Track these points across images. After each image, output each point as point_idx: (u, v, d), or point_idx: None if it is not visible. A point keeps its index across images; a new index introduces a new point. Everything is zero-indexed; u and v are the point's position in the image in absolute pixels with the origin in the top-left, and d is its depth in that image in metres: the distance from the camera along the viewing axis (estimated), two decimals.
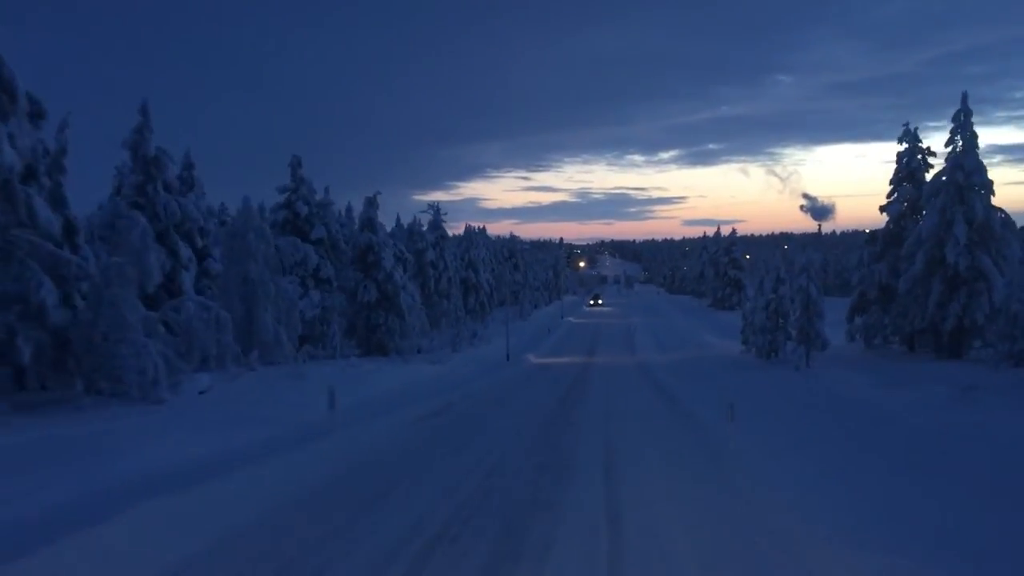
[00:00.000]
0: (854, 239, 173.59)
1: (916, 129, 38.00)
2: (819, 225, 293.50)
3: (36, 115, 18.31)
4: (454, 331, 44.88)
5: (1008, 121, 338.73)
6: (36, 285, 17.12)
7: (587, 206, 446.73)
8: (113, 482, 9.77)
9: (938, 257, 32.42)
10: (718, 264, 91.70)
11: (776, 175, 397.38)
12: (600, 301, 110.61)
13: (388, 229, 58.35)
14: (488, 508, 9.27)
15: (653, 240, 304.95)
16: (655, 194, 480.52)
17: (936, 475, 10.59)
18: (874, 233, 39.02)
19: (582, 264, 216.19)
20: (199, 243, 32.91)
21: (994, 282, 31.12)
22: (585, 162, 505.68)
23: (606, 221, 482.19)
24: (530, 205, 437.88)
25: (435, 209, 63.32)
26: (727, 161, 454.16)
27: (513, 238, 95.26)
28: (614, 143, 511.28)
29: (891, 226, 38.02)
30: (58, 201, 19.23)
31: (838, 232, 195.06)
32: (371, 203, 41.12)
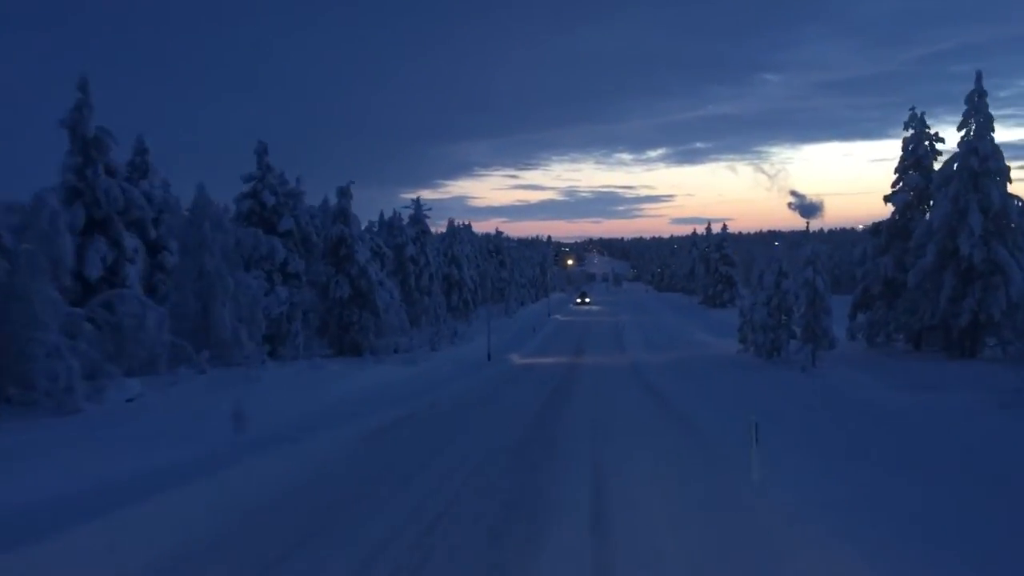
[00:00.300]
0: (843, 237, 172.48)
1: (923, 114, 35.81)
2: (807, 223, 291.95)
3: None
4: (434, 329, 42.35)
5: (996, 119, 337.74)
6: None
7: (575, 204, 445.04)
8: None
9: (950, 249, 30.16)
10: (709, 261, 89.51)
11: (764, 172, 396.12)
12: (588, 299, 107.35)
13: (374, 227, 56.16)
14: None
15: (641, 238, 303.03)
16: (643, 192, 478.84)
17: None
18: (878, 225, 36.73)
19: (570, 262, 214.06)
20: (152, 234, 30.31)
21: (1011, 275, 28.90)
22: (573, 160, 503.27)
23: (594, 219, 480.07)
24: (518, 203, 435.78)
25: (416, 203, 60.79)
26: (715, 160, 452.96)
27: (499, 234, 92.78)
28: (602, 141, 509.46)
29: (896, 217, 35.76)
30: None
31: (826, 230, 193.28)
32: (344, 193, 38.56)
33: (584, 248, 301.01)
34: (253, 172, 36.30)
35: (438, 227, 73.84)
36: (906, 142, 35.72)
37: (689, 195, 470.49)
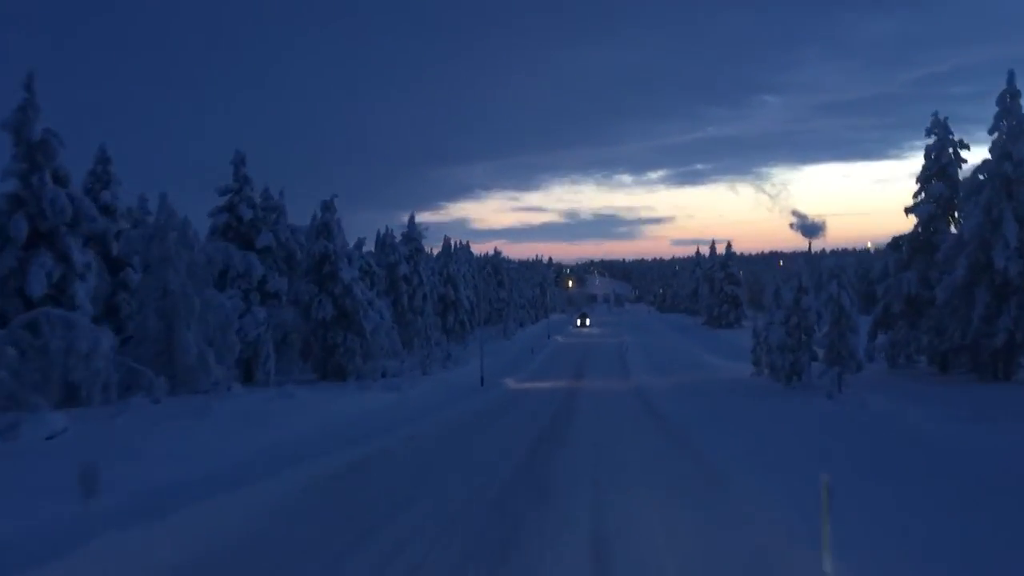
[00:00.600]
0: (845, 258, 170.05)
1: (946, 119, 33.42)
2: (810, 243, 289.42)
3: None
4: (425, 352, 39.81)
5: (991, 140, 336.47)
6: None
7: (576, 226, 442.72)
8: None
9: (983, 262, 27.66)
10: (713, 280, 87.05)
11: (765, 192, 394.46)
12: (588, 321, 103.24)
13: (363, 243, 53.71)
14: None
15: (643, 259, 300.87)
16: (644, 214, 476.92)
17: None
18: (898, 239, 34.21)
19: (571, 283, 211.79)
20: (113, 250, 27.97)
21: None
22: (574, 182, 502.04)
23: (595, 241, 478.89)
24: (519, 225, 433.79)
25: (410, 220, 58.45)
26: (715, 181, 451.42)
27: (497, 254, 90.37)
28: (603, 163, 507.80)
29: (919, 230, 33.27)
30: None
31: (828, 251, 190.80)
32: (328, 207, 36.18)
33: (585, 270, 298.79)
34: (229, 184, 33.97)
35: (436, 247, 71.67)
36: (929, 150, 33.29)
37: (690, 216, 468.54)
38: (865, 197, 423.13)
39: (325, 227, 36.00)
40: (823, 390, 23.73)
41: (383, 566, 7.74)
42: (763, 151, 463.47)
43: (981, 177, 28.91)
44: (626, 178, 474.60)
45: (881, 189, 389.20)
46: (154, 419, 16.90)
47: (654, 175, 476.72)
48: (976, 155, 34.64)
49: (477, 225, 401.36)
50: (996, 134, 28.18)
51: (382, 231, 56.97)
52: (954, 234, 30.49)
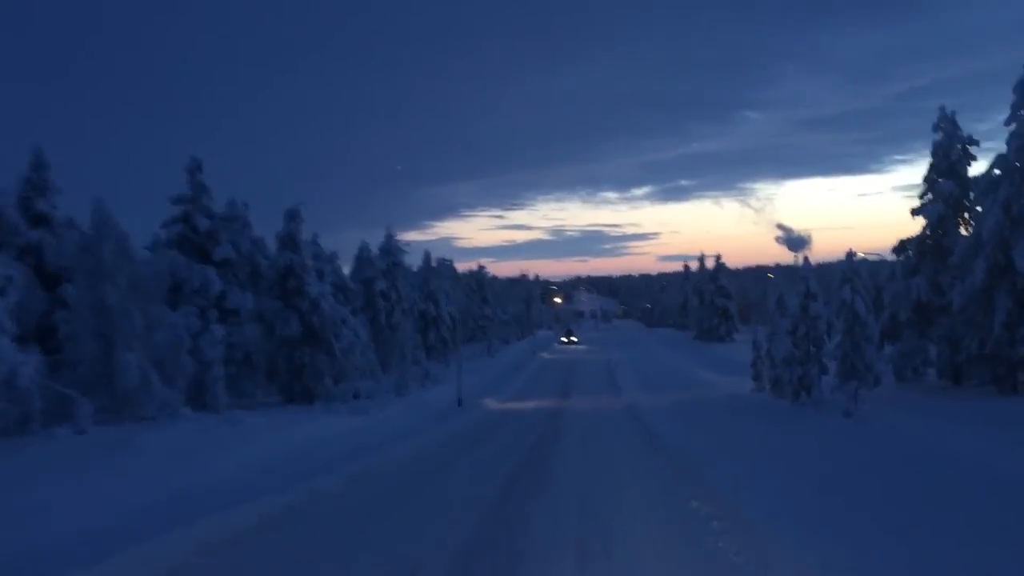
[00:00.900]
0: (830, 270, 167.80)
1: (954, 114, 31.29)
2: (795, 256, 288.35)
3: None
4: (400, 371, 37.17)
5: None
6: None
7: (562, 243, 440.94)
8: None
9: (1003, 264, 25.43)
10: (703, 293, 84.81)
11: (750, 207, 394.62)
12: (575, 338, 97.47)
13: (336, 257, 51.06)
14: None
15: (629, 275, 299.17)
16: (629, 230, 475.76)
17: None
18: (904, 243, 31.91)
19: (558, 300, 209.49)
20: (50, 264, 25.33)
21: None
22: (559, 200, 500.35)
23: (581, 258, 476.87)
24: (505, 244, 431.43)
25: (387, 235, 55.84)
26: (700, 197, 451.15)
27: (481, 269, 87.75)
28: (587, 180, 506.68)
29: (927, 232, 31.05)
30: None
31: (814, 264, 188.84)
32: (292, 217, 33.58)
33: (572, 286, 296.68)
34: (184, 193, 31.31)
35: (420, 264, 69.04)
36: (936, 146, 31.16)
37: (675, 232, 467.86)
38: (848, 211, 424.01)
39: (290, 238, 33.41)
40: (836, 407, 21.28)
41: None
42: (746, 166, 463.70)
43: (997, 172, 26.76)
44: (611, 195, 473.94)
45: (864, 203, 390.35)
46: (63, 455, 14.26)
47: (639, 191, 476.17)
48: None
49: (463, 244, 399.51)
50: (1013, 125, 26.01)
51: (361, 247, 54.39)
52: (969, 235, 28.28)
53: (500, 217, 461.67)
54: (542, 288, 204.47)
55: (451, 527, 10.58)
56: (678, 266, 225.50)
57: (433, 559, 9.06)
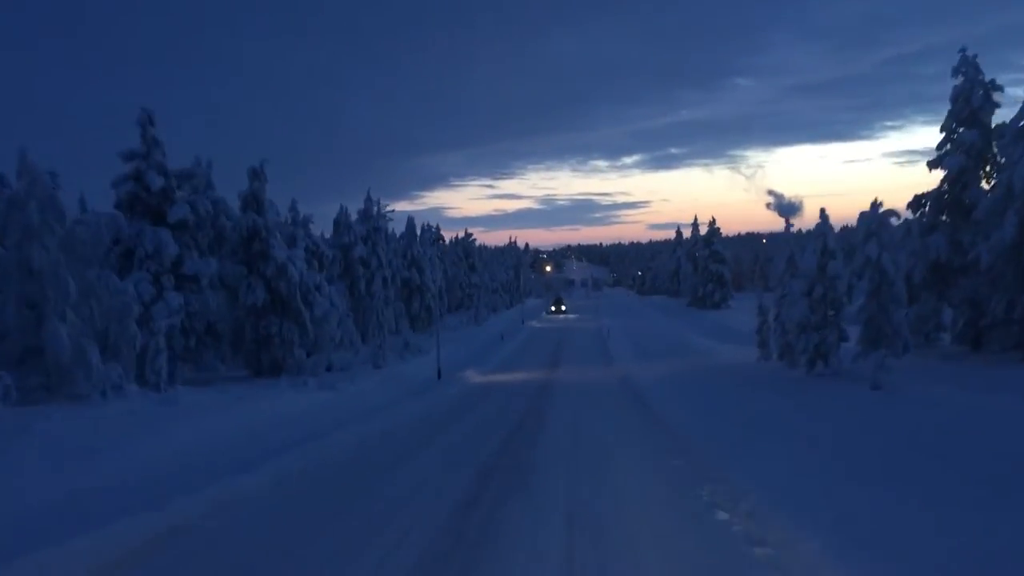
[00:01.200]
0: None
1: (975, 56, 28.72)
2: (787, 222, 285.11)
3: None
4: (377, 342, 34.70)
5: None
6: None
7: (552, 212, 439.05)
8: None
9: None
10: (696, 259, 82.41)
11: (741, 173, 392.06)
12: (564, 307, 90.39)
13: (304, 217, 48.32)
14: None
15: (620, 244, 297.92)
16: (620, 199, 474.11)
17: None
18: (920, 198, 29.43)
19: (548, 268, 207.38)
20: None
21: None
22: (549, 169, 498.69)
23: (572, 227, 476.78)
24: (496, 213, 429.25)
25: (367, 197, 53.02)
26: (690, 165, 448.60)
27: (468, 236, 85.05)
28: (577, 149, 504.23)
29: (946, 186, 28.56)
30: None
31: (804, 231, 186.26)
32: (256, 175, 30.88)
33: (562, 255, 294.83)
34: (136, 148, 28.54)
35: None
36: (956, 91, 28.59)
37: (665, 200, 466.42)
38: (838, 178, 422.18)
39: (253, 198, 30.74)
40: (858, 377, 18.87)
41: None
42: (737, 134, 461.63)
43: None
44: (601, 163, 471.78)
45: (854, 169, 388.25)
46: None
47: (629, 160, 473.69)
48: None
49: (453, 214, 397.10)
50: None
51: (340, 211, 51.61)
52: (995, 188, 25.84)
53: (490, 187, 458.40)
54: (532, 257, 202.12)
55: (399, 547, 8.07)
56: (668, 234, 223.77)
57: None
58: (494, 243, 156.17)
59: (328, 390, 22.91)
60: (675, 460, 12.39)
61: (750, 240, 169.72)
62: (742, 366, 26.98)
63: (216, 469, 11.08)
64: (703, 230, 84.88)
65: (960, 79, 28.64)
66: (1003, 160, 26.26)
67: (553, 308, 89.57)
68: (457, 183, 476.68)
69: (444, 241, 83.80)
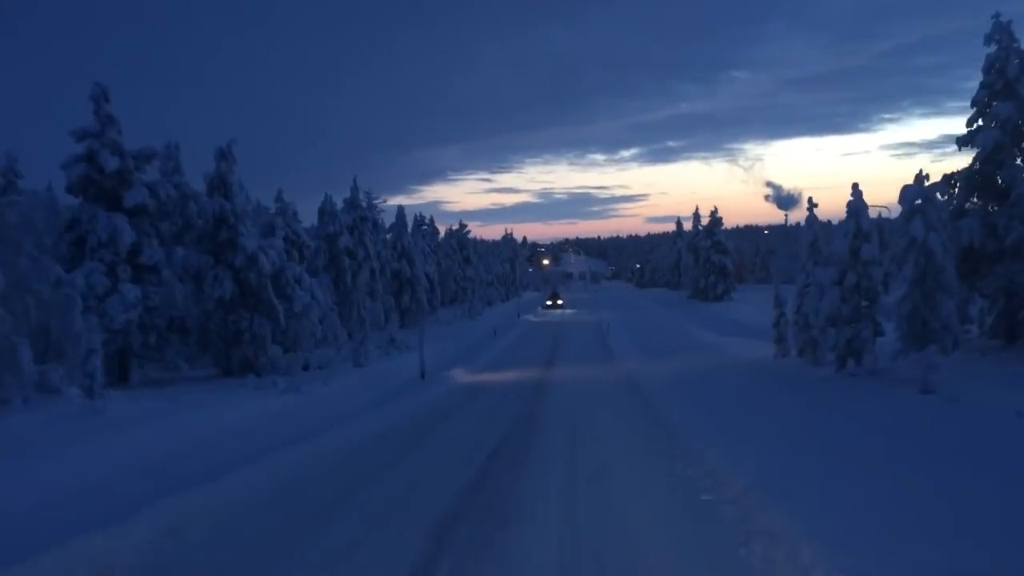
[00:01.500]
0: (825, 229, 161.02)
1: (1010, 23, 26.16)
2: (786, 215, 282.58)
3: None
4: (359, 337, 32.18)
5: (960, 111, 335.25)
6: None
7: (550, 206, 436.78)
8: None
9: None
10: (698, 250, 79.88)
11: (740, 165, 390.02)
12: (560, 301, 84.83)
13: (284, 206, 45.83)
14: None
15: (618, 237, 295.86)
16: (617, 192, 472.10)
17: None
18: (950, 177, 26.87)
19: (546, 261, 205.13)
20: None
21: None
22: (546, 162, 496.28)
23: (570, 221, 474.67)
24: (493, 207, 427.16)
25: (353, 185, 50.43)
26: (687, 158, 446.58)
27: (463, 227, 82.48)
28: (575, 143, 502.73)
29: (977, 165, 26.02)
30: None
31: (802, 223, 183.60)
32: (224, 156, 28.31)
33: (560, 248, 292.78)
34: (89, 126, 25.98)
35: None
36: (990, 61, 25.99)
37: (663, 193, 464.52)
38: (836, 170, 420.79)
39: (220, 180, 28.18)
40: (898, 378, 16.38)
41: None
42: (735, 127, 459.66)
43: None
44: (599, 157, 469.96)
45: (851, 162, 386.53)
46: None
47: (627, 153, 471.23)
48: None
49: (450, 207, 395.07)
50: None
51: (324, 199, 48.98)
52: None
53: (488, 180, 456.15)
54: (530, 250, 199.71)
55: None
56: (666, 227, 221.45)
57: None
58: (492, 237, 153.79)
59: (293, 393, 20.39)
60: (705, 497, 9.66)
61: (749, 233, 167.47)
62: (757, 363, 24.45)
63: (79, 519, 8.31)
64: (704, 221, 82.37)
65: (993, 47, 26.07)
66: None
67: (549, 303, 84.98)
68: (454, 177, 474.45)
69: (440, 234, 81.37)
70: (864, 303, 18.61)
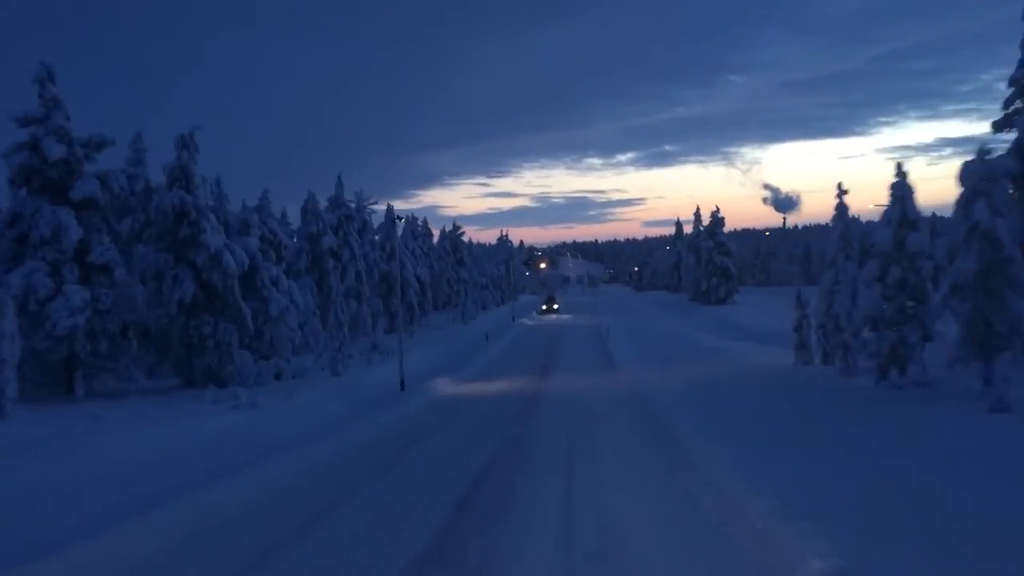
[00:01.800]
0: (817, 233, 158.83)
1: None
2: (784, 218, 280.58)
3: None
4: (336, 344, 29.58)
5: (955, 114, 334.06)
6: None
7: (547, 210, 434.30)
8: None
9: None
10: (700, 251, 77.29)
11: (737, 167, 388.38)
12: (556, 306, 79.68)
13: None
14: None
15: (615, 241, 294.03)
16: (614, 196, 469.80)
17: None
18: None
19: (543, 265, 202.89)
20: None
21: None
22: (544, 167, 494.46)
23: (567, 225, 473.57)
24: (491, 211, 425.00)
25: (338, 182, 47.84)
26: (684, 162, 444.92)
27: (456, 229, 79.83)
28: (572, 147, 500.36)
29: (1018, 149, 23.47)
30: None
31: (800, 227, 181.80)
32: (185, 145, 25.68)
33: (558, 252, 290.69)
34: (32, 111, 23.38)
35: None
36: None
37: (660, 197, 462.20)
38: (832, 174, 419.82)
39: (181, 171, 25.54)
40: (953, 391, 13.79)
41: None
42: (731, 130, 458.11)
43: None
44: (596, 161, 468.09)
45: (847, 165, 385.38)
46: None
47: (623, 157, 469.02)
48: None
49: (448, 212, 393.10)
50: None
51: (307, 198, 46.32)
52: None
53: (485, 185, 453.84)
54: (527, 254, 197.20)
55: None
56: (663, 231, 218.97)
57: None
58: (489, 242, 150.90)
59: (248, 409, 17.79)
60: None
61: (747, 236, 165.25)
62: (776, 372, 21.84)
63: None
64: (705, 222, 79.78)
65: None
66: None
67: (544, 307, 79.69)
68: (452, 181, 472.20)
69: (433, 236, 78.70)
70: (909, 303, 16.03)
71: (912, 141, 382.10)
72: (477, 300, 72.27)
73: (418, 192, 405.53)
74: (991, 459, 10.21)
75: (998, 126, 23.99)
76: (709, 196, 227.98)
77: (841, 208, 19.40)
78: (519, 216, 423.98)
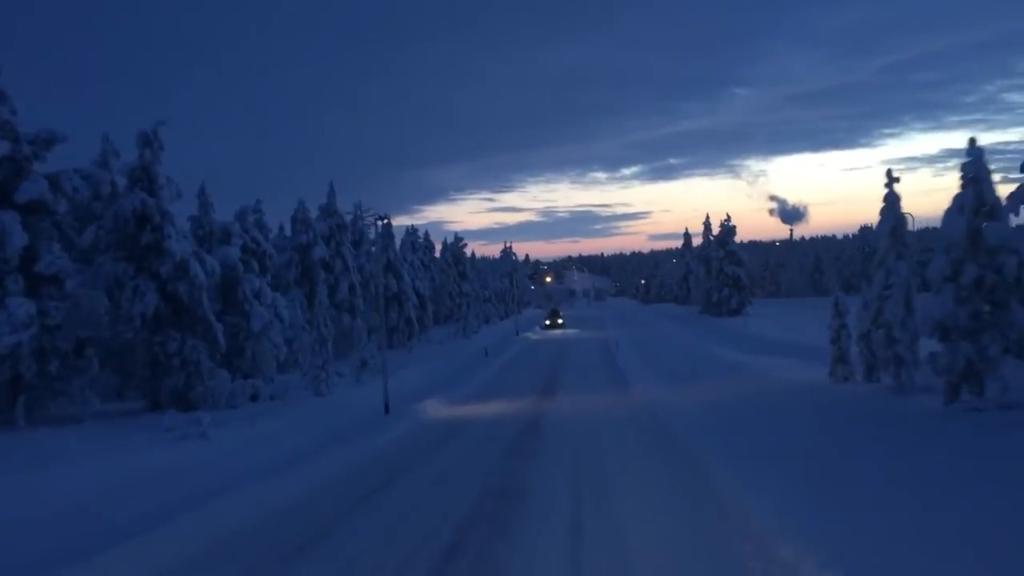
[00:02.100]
0: (825, 245, 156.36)
1: None
2: (791, 230, 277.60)
3: None
4: (319, 362, 26.97)
5: (960, 125, 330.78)
6: None
7: (553, 225, 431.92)
8: None
9: None
10: (710, 262, 74.65)
11: (743, 179, 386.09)
12: (561, 320, 75.11)
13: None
14: None
15: (621, 254, 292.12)
16: (619, 210, 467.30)
17: None
18: None
19: (549, 279, 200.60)
20: None
21: None
22: (548, 181, 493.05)
23: (572, 239, 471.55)
24: (496, 226, 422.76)
25: (330, 190, 45.41)
26: (690, 175, 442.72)
27: (458, 241, 77.36)
28: (577, 161, 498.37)
29: None
30: None
31: (807, 238, 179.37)
32: (148, 143, 23.24)
33: (563, 266, 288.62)
34: None
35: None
36: None
37: (665, 211, 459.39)
38: (838, 186, 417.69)
39: (143, 171, 23.13)
40: None
41: None
42: (736, 143, 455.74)
43: None
44: (600, 175, 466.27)
45: (853, 177, 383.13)
46: None
47: (628, 171, 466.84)
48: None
49: (453, 227, 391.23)
50: None
51: (297, 206, 43.86)
52: None
53: (490, 199, 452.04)
54: (533, 268, 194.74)
55: None
56: (669, 244, 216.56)
57: None
58: (494, 255, 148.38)
59: (196, 440, 15.21)
60: None
61: (755, 248, 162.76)
62: (811, 390, 19.18)
63: None
64: (716, 231, 77.17)
65: None
66: None
67: (548, 322, 74.99)
68: (457, 196, 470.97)
69: (436, 249, 76.29)
70: (987, 307, 13.38)
71: (917, 152, 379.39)
72: (480, 314, 69.68)
73: (423, 207, 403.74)
74: None
75: None
76: (715, 209, 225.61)
77: (890, 197, 16.70)
78: (524, 231, 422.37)
